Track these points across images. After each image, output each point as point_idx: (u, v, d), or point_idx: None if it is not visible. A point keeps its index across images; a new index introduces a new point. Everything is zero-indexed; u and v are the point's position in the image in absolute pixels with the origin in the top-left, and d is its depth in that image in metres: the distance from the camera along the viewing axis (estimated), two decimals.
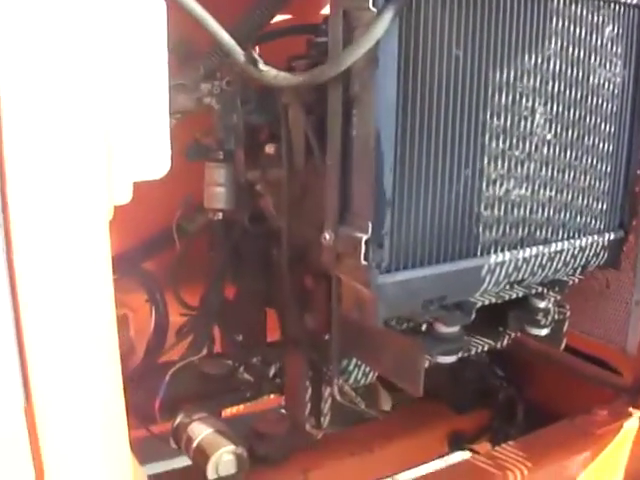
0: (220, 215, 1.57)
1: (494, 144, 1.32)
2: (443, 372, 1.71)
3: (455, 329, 1.40)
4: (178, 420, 1.67)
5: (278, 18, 1.69)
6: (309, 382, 1.64)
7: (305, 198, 1.42)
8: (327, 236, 1.25)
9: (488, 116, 1.30)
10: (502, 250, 1.39)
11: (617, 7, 1.47)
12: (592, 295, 1.82)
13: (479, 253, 1.35)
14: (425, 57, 1.20)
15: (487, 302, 1.42)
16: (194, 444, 1.60)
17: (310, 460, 1.78)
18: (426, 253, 1.28)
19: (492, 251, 1.37)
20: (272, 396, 1.94)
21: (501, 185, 1.35)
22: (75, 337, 0.93)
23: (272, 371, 1.87)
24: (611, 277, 1.77)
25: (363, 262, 1.19)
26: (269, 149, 1.44)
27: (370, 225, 1.18)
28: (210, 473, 1.55)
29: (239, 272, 1.70)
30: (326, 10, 2.16)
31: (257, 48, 1.32)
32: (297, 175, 1.41)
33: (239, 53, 1.25)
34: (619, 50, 1.51)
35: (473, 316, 1.40)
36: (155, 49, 1.02)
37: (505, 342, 1.59)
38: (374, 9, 1.13)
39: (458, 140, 1.27)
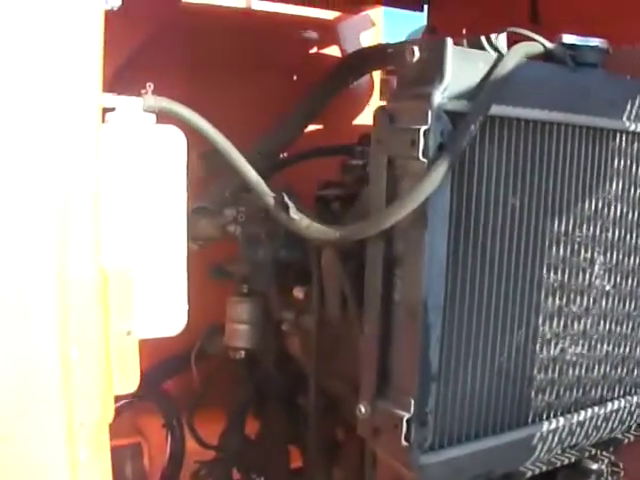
0: (242, 354, 1.43)
1: (550, 301, 1.18)
2: None
3: None
4: None
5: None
6: None
7: (337, 350, 1.28)
8: (363, 409, 1.10)
9: (544, 270, 1.16)
10: (555, 415, 1.23)
11: None
12: None
13: (530, 421, 1.20)
14: (479, 210, 1.06)
15: (537, 471, 1.26)
16: None
17: None
18: (472, 427, 1.12)
19: (544, 417, 1.22)
20: None
21: (556, 345, 1.20)
22: None
23: None
24: None
25: (404, 442, 1.04)
26: (297, 293, 1.30)
27: (413, 402, 1.03)
28: None
29: (262, 411, 1.55)
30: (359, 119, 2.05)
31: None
32: (329, 324, 1.27)
33: (269, 196, 1.12)
34: None
35: None
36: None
37: None
38: (424, 160, 0.99)
39: (512, 299, 1.12)
